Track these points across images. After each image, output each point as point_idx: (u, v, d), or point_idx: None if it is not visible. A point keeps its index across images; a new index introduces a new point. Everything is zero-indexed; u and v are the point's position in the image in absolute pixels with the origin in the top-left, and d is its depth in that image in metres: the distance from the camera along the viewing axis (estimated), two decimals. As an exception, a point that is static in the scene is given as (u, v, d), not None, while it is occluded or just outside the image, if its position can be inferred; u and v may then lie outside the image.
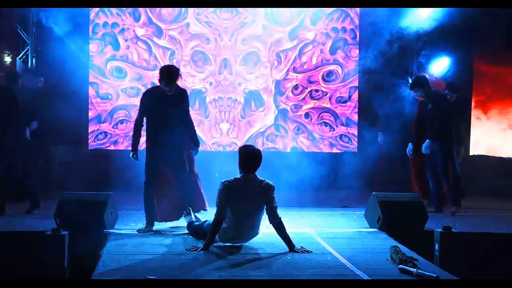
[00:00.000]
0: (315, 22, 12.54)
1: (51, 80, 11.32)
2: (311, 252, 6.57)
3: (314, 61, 12.61)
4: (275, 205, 6.66)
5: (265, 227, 6.97)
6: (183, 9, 12.26)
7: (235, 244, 6.80)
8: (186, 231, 7.53)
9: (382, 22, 11.52)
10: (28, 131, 9.29)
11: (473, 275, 6.74)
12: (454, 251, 7.11)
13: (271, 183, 6.73)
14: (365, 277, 5.60)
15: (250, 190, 6.64)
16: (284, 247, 6.66)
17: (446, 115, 9.67)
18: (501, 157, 11.76)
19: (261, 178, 6.73)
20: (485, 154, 12.19)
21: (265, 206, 6.70)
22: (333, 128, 12.68)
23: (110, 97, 12.29)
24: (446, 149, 9.60)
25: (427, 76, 10.21)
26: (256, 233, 6.89)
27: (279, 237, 6.80)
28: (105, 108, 12.29)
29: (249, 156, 6.71)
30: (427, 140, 9.63)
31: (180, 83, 7.78)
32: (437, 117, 9.59)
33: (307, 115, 12.66)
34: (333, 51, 12.62)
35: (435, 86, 10.66)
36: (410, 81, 10.68)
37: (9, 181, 9.32)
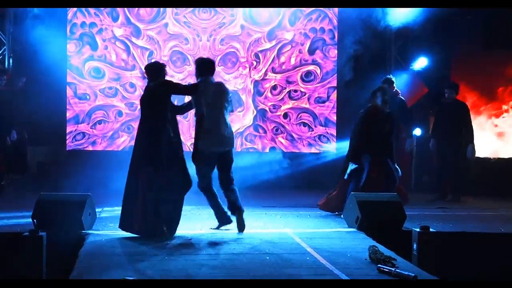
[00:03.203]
0: (294, 23, 12.57)
1: (28, 80, 11.28)
2: None
3: (292, 61, 12.63)
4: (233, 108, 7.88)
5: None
6: (161, 9, 12.23)
7: (220, 150, 7.47)
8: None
9: (360, 22, 11.56)
10: None
11: (451, 274, 6.77)
12: (431, 251, 7.15)
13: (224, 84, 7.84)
14: (344, 277, 5.62)
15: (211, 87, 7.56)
16: (263, 248, 6.70)
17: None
18: (478, 157, 11.82)
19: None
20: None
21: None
22: (312, 128, 12.70)
23: (88, 97, 12.23)
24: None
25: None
26: (231, 133, 7.66)
27: (258, 237, 7.09)
28: (83, 108, 12.22)
29: (206, 61, 7.77)
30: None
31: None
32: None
33: (285, 115, 12.67)
34: (311, 51, 12.65)
35: (415, 86, 10.73)
36: (392, 79, 10.69)
37: None
